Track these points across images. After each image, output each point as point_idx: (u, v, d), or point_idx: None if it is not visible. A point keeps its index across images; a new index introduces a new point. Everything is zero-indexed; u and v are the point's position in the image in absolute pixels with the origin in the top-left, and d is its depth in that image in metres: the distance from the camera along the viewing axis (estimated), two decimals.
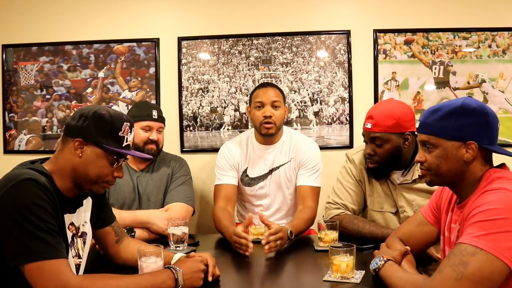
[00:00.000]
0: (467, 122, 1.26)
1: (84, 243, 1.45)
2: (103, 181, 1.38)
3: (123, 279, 1.29)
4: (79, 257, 1.42)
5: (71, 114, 1.39)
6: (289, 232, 1.82)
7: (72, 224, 1.38)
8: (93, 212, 1.52)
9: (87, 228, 1.47)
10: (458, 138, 1.27)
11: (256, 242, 1.96)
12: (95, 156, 1.33)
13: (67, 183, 1.35)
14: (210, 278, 1.42)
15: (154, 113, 2.24)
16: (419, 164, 1.39)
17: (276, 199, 2.30)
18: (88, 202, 1.49)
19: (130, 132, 1.38)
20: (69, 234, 1.36)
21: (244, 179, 2.29)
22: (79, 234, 1.42)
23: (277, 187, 2.28)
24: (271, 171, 2.27)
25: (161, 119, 2.28)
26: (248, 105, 2.34)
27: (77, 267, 1.40)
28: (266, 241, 1.71)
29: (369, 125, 1.89)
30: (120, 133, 1.35)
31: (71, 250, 1.36)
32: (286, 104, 2.29)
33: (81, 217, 1.44)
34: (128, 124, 1.38)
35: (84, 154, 1.33)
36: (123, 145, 1.36)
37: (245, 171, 2.29)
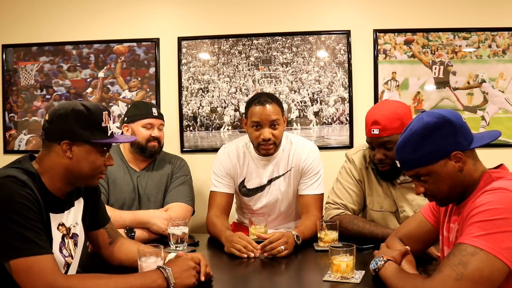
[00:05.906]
0: (439, 139, 1.27)
1: (75, 244, 1.44)
2: (97, 173, 1.40)
3: (112, 279, 1.29)
4: (72, 257, 1.41)
5: (46, 117, 1.37)
6: (295, 236, 1.81)
7: (62, 224, 1.38)
8: (85, 213, 1.51)
9: (79, 230, 1.46)
10: (441, 156, 1.27)
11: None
12: (86, 153, 1.34)
13: (57, 183, 1.36)
14: (202, 278, 1.42)
15: (154, 111, 2.24)
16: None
17: (275, 207, 2.23)
18: (79, 203, 1.49)
19: (110, 119, 1.41)
20: (59, 235, 1.36)
21: (241, 190, 2.22)
22: (70, 235, 1.42)
23: (276, 196, 2.20)
24: (270, 182, 2.18)
25: (161, 116, 2.28)
26: (244, 117, 2.17)
27: (69, 266, 1.40)
28: (263, 249, 1.71)
29: (376, 131, 1.84)
30: (103, 124, 1.36)
31: (62, 250, 1.36)
32: (284, 115, 2.14)
33: (72, 218, 1.44)
34: (106, 112, 1.39)
35: (74, 154, 1.33)
36: (108, 134, 1.38)
37: (243, 182, 2.20)
